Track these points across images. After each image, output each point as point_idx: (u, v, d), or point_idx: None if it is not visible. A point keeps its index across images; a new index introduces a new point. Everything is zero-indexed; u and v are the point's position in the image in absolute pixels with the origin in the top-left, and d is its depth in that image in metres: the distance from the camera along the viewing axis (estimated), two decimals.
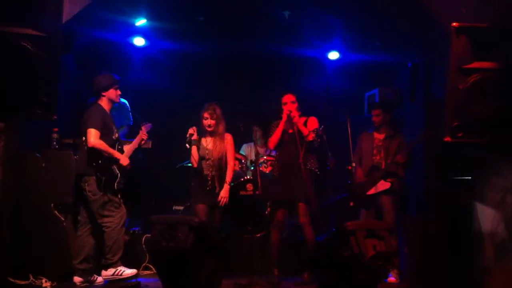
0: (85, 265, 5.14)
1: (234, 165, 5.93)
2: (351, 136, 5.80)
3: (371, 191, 5.89)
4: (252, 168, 6.75)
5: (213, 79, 7.87)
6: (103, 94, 5.28)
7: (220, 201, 5.56)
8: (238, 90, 7.88)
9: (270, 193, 5.75)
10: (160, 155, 7.51)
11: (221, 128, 5.68)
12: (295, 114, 5.51)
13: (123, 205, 5.28)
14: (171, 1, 6.63)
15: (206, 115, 5.64)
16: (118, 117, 6.59)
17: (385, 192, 5.83)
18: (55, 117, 3.66)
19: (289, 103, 5.57)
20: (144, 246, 5.93)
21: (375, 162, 5.98)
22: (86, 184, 5.10)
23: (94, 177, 5.10)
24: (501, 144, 3.83)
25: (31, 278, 4.95)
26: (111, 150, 5.16)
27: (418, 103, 6.93)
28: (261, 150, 7.17)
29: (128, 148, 5.41)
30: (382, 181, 5.84)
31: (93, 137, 5.04)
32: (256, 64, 7.92)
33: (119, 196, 5.25)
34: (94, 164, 5.09)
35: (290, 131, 5.59)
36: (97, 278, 5.23)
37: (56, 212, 5.24)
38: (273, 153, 7.23)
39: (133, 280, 5.15)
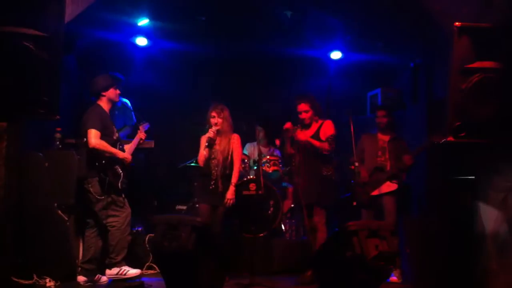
0: (90, 266, 5.15)
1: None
2: (354, 136, 5.80)
3: (375, 192, 5.89)
4: (255, 167, 6.76)
5: (215, 79, 7.88)
6: (103, 94, 5.28)
7: (226, 202, 5.56)
8: (240, 90, 7.89)
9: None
10: (163, 154, 7.52)
11: (227, 127, 5.67)
12: (300, 136, 5.53)
13: (127, 205, 5.29)
14: (173, 0, 6.64)
15: (213, 113, 5.64)
16: (121, 118, 6.61)
17: (388, 193, 5.82)
18: (58, 117, 3.66)
19: (303, 113, 5.62)
20: (147, 245, 5.93)
21: (378, 163, 5.97)
22: (90, 185, 5.11)
23: (97, 178, 5.11)
24: (504, 145, 3.83)
25: (35, 277, 4.94)
26: (112, 150, 5.15)
27: (420, 104, 6.93)
28: (264, 150, 7.17)
29: (128, 148, 5.42)
30: (388, 183, 5.83)
31: (93, 137, 5.04)
32: (258, 64, 7.93)
33: (123, 195, 5.26)
34: (96, 164, 5.10)
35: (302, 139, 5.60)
36: (101, 277, 5.24)
37: (59, 212, 5.25)
38: (276, 153, 7.26)
39: (137, 280, 5.16)
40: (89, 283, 5.12)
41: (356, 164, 5.86)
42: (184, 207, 6.95)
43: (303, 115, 5.62)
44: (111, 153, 5.13)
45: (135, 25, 6.99)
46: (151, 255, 5.83)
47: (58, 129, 5.65)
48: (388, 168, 5.90)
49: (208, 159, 5.61)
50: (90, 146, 5.04)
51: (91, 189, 5.12)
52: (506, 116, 3.64)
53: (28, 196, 5.13)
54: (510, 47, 3.69)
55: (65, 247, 5.23)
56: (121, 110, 6.59)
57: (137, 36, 7.32)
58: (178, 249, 4.08)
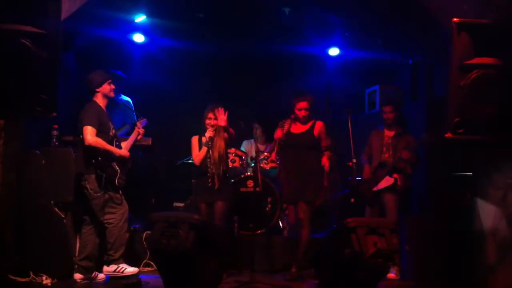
0: (86, 263, 5.12)
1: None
2: (352, 133, 5.79)
3: (376, 188, 5.88)
4: (253, 165, 6.76)
5: (213, 76, 7.87)
6: (97, 90, 5.25)
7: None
8: (238, 87, 7.88)
9: None
10: (161, 151, 7.51)
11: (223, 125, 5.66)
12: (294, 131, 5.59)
13: (125, 202, 5.27)
14: None
15: (210, 115, 5.64)
16: (121, 116, 6.59)
17: (388, 189, 5.80)
18: (55, 114, 3.64)
19: (303, 110, 5.64)
20: (144, 243, 5.92)
21: (383, 159, 5.96)
22: (87, 182, 5.08)
23: (94, 175, 5.07)
24: (503, 142, 3.82)
25: (32, 275, 4.93)
26: (108, 147, 5.12)
27: (420, 101, 6.93)
28: (261, 147, 7.17)
29: (125, 144, 5.39)
30: (387, 177, 5.83)
31: (89, 134, 5.01)
32: (256, 61, 7.91)
33: (120, 192, 5.24)
34: (93, 161, 5.06)
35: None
36: (98, 275, 5.22)
37: (56, 210, 5.23)
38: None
39: (134, 278, 5.15)
40: (85, 281, 5.10)
41: (354, 160, 5.85)
42: (182, 205, 6.94)
43: (303, 113, 5.62)
44: (107, 150, 5.10)
45: (132, 22, 6.97)
46: (148, 253, 5.83)
47: (55, 126, 5.63)
48: (390, 163, 5.90)
49: (205, 158, 5.61)
50: (86, 143, 5.01)
51: (88, 186, 5.09)
52: (506, 113, 3.64)
53: (26, 193, 5.12)
54: (510, 44, 3.68)
55: (62, 244, 5.22)
56: (122, 109, 6.57)
57: (134, 33, 7.30)
58: (176, 247, 4.07)
